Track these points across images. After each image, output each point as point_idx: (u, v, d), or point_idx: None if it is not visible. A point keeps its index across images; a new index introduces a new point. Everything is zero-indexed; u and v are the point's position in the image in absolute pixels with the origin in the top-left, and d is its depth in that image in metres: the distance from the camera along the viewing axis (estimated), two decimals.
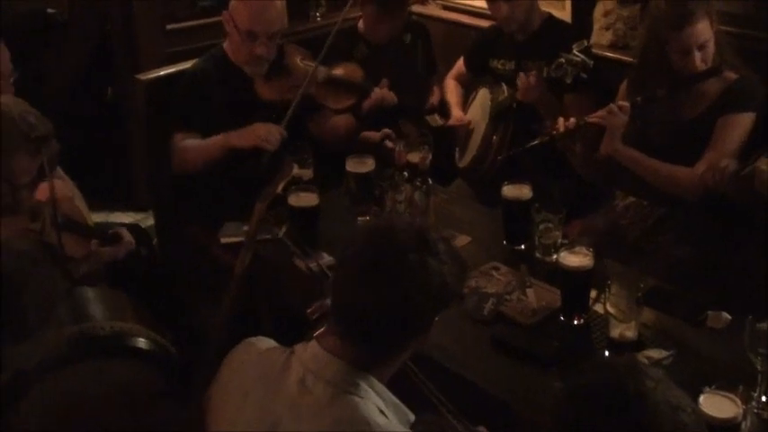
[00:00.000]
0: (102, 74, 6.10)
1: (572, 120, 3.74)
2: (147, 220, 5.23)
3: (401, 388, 2.36)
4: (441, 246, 2.25)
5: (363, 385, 2.20)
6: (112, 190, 5.90)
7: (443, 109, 4.77)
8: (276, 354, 2.34)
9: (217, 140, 4.09)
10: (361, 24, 4.73)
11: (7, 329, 2.23)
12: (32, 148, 3.12)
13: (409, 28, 4.87)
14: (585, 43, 3.98)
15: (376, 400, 2.21)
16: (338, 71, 4.40)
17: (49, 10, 6.23)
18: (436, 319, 2.29)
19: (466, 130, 4.53)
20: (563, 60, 3.89)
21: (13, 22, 5.61)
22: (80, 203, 3.83)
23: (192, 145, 4.13)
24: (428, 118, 4.63)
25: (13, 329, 2.24)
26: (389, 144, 4.35)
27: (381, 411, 2.20)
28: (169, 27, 5.55)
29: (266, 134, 4.00)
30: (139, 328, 2.66)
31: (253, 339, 2.44)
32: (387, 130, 4.48)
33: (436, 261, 2.21)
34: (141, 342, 2.65)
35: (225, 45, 4.29)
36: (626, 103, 3.69)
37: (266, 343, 2.42)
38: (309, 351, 2.27)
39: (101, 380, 2.58)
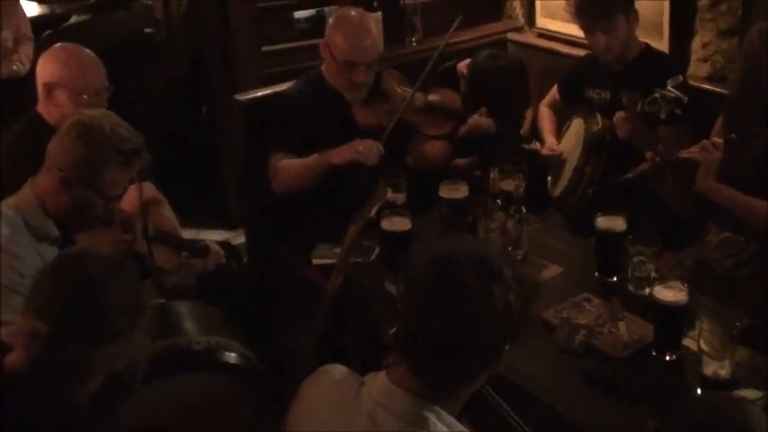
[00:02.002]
0: (197, 93, 6.19)
1: (664, 155, 3.70)
2: (237, 239, 5.28)
3: (481, 416, 2.36)
4: (506, 271, 2.18)
5: (432, 419, 2.17)
6: (204, 208, 5.97)
7: (536, 135, 4.77)
8: (347, 385, 2.32)
9: (316, 158, 4.13)
10: None
11: (90, 330, 2.29)
12: (124, 161, 3.17)
13: None
14: (681, 78, 3.95)
15: None
16: (436, 97, 4.40)
17: (147, 30, 6.35)
18: (506, 348, 2.23)
19: (559, 160, 4.52)
20: (657, 96, 3.84)
21: (110, 41, 5.72)
22: (170, 216, 3.90)
23: (290, 164, 4.17)
24: (521, 143, 4.63)
25: (96, 331, 2.30)
26: (477, 173, 4.34)
27: None
28: (265, 48, 5.61)
29: (365, 148, 4.02)
30: (232, 342, 2.69)
31: (327, 368, 2.42)
32: (475, 159, 4.48)
33: (501, 287, 2.15)
34: (232, 357, 2.67)
35: (323, 68, 4.34)
36: (719, 140, 3.64)
37: (339, 372, 2.39)
38: (378, 384, 2.25)
39: (192, 393, 2.61)
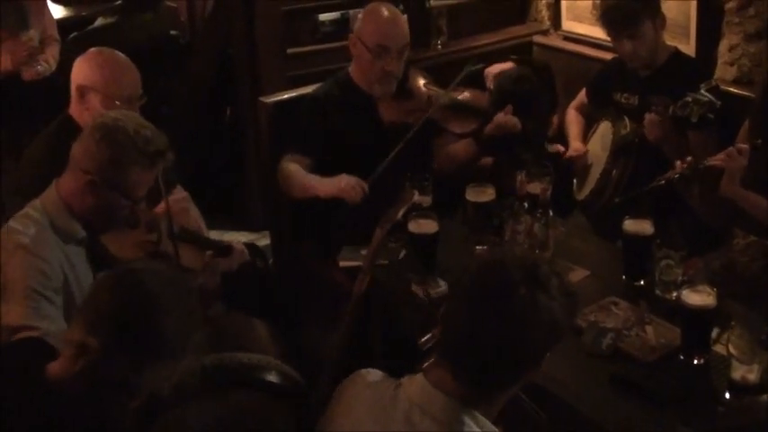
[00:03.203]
0: (222, 95, 6.19)
1: (690, 162, 3.68)
2: (261, 241, 5.28)
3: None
4: (553, 281, 2.21)
5: (469, 422, 2.17)
6: (228, 210, 5.99)
7: (562, 139, 4.75)
8: (384, 386, 2.32)
9: (308, 181, 4.16)
10: None
11: (144, 349, 2.26)
12: (148, 162, 3.15)
13: None
14: (714, 83, 3.92)
15: None
16: (462, 95, 4.39)
17: (172, 32, 6.36)
18: (548, 355, 2.25)
19: (585, 162, 4.50)
20: (690, 99, 3.81)
21: (136, 43, 5.73)
22: (195, 215, 3.90)
23: (292, 174, 4.21)
24: (547, 145, 4.61)
25: (151, 351, 2.26)
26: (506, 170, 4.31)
27: None
28: (290, 51, 5.61)
29: (348, 187, 4.01)
30: (275, 361, 2.66)
31: (363, 372, 2.42)
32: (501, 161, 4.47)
33: (547, 297, 2.17)
34: (272, 376, 2.65)
35: (350, 69, 4.35)
36: (745, 146, 3.62)
37: (375, 375, 2.39)
38: (416, 385, 2.25)
39: (229, 411, 2.59)
